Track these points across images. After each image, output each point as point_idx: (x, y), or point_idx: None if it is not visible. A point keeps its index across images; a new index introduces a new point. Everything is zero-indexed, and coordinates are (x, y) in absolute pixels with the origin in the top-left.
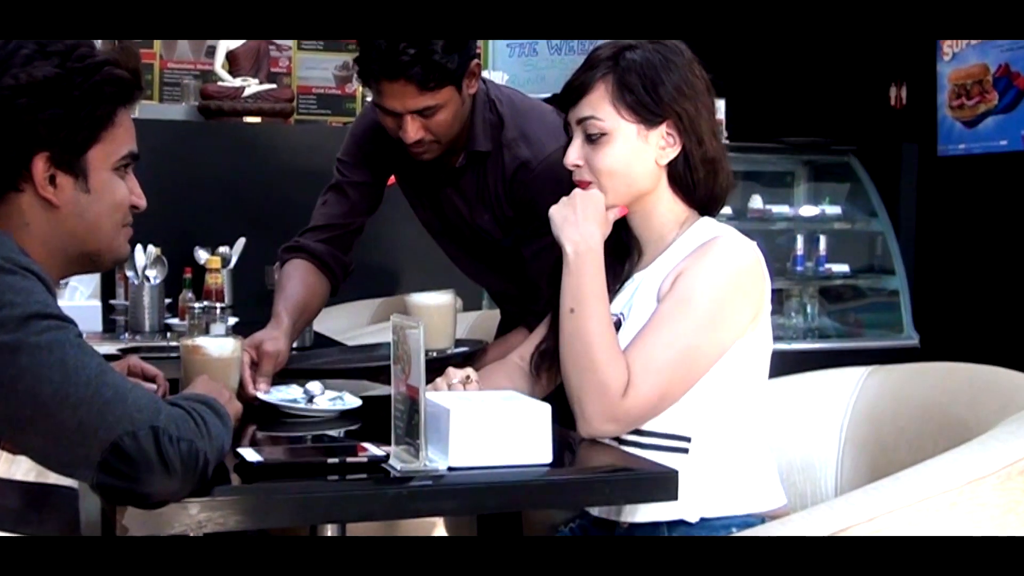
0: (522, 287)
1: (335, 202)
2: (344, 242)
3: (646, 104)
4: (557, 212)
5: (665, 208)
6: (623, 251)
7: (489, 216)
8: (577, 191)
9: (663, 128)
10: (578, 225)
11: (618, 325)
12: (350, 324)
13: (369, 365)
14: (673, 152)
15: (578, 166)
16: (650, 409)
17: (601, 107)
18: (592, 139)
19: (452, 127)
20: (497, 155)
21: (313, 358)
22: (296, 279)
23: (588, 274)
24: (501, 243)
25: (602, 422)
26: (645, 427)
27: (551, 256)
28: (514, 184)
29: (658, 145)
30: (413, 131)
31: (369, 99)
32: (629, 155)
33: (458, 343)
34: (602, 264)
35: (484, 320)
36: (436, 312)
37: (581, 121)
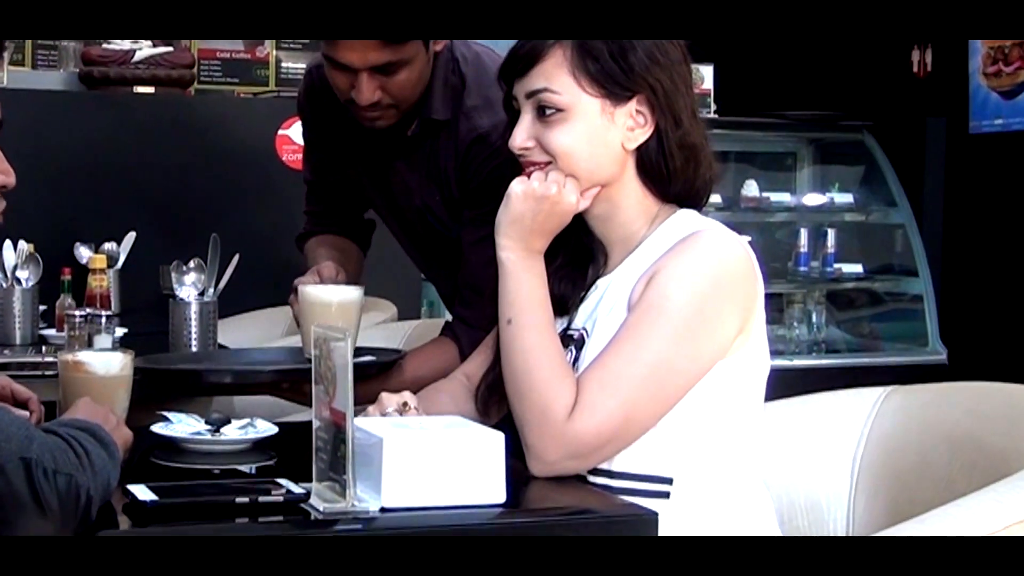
0: (457, 282)
1: (314, 200)
2: (350, 220)
3: (613, 74)
4: (516, 202)
5: (632, 202)
6: (585, 256)
7: (438, 196)
8: (552, 193)
9: (632, 105)
10: (527, 232)
11: (581, 342)
12: (262, 335)
13: (262, 368)
14: (643, 134)
15: (527, 148)
16: (611, 436)
17: (557, 78)
18: (545, 116)
19: (415, 89)
20: (453, 125)
21: (194, 362)
22: (325, 243)
23: (526, 281)
24: (450, 234)
25: (551, 452)
26: (616, 466)
27: (493, 249)
28: (467, 159)
29: (626, 126)
30: (369, 92)
31: (286, 64)
32: (591, 137)
33: (363, 351)
34: (543, 269)
35: (423, 331)
36: (337, 311)
37: (532, 95)
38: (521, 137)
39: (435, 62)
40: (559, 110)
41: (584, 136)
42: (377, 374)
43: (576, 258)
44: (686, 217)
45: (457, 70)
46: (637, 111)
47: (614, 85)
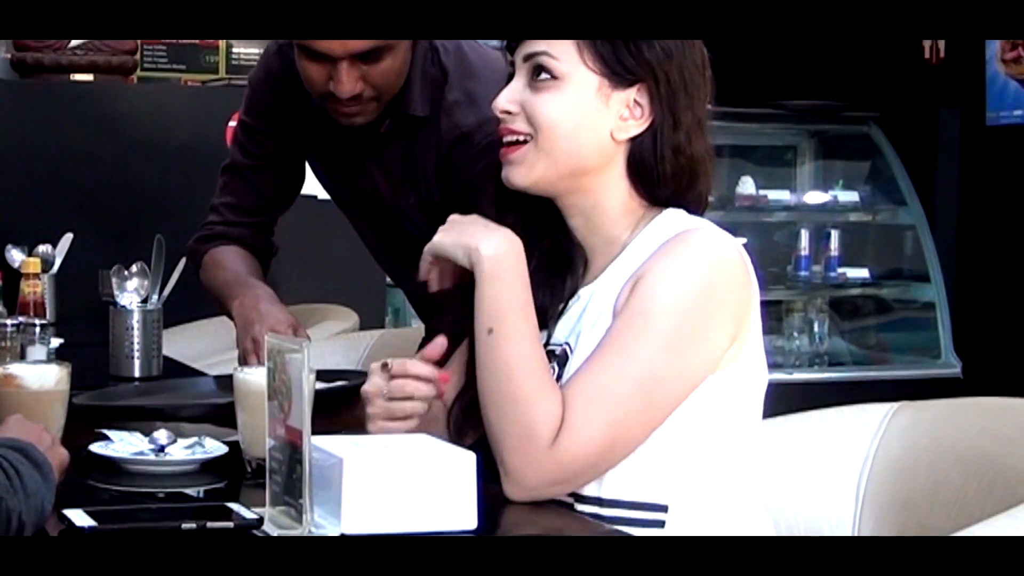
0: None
1: (235, 190)
2: (261, 231)
3: (619, 54)
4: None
5: (616, 201)
6: (563, 260)
7: (415, 199)
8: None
9: (631, 92)
10: (490, 229)
11: (564, 358)
12: (209, 347)
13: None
14: (637, 127)
15: (509, 112)
16: (596, 460)
17: (560, 43)
18: (537, 80)
19: (398, 79)
20: (434, 122)
21: (156, 395)
22: (232, 257)
23: (509, 283)
24: (428, 238)
25: (532, 477)
26: (606, 493)
27: None
28: (449, 160)
29: (619, 114)
30: (350, 83)
31: (237, 50)
32: (579, 114)
33: (331, 375)
34: (526, 271)
35: (388, 342)
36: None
37: (530, 57)
38: (506, 97)
39: (413, 52)
40: (553, 77)
41: (571, 111)
42: (345, 400)
43: (553, 262)
44: (674, 216)
45: (437, 61)
46: (635, 101)
47: (618, 65)
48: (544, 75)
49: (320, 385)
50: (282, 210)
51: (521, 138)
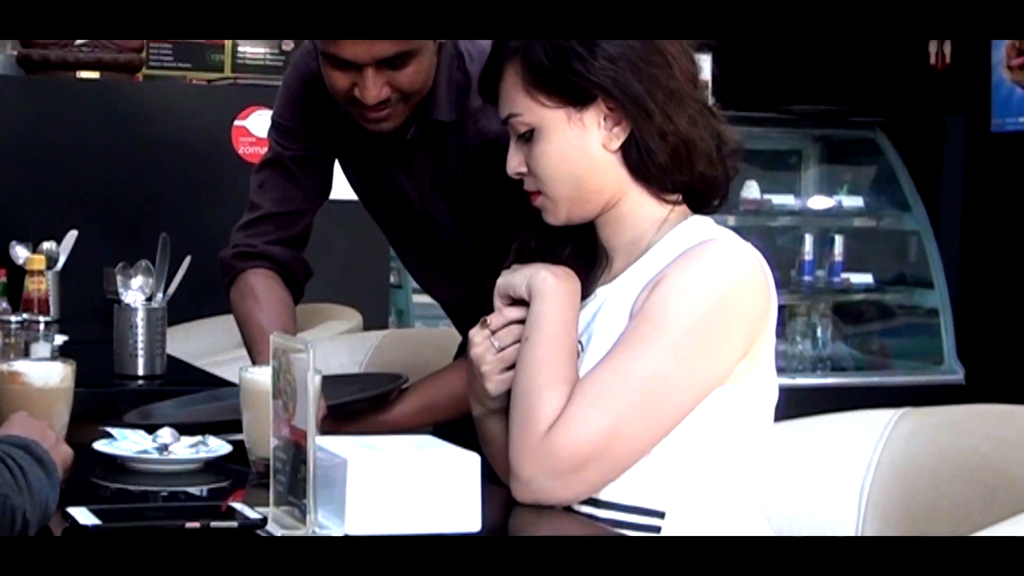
0: (473, 302)
1: (279, 184)
2: (300, 236)
3: (562, 81)
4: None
5: (634, 205)
6: (589, 257)
7: (444, 205)
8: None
9: (600, 105)
10: (550, 266)
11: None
12: (213, 345)
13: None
14: (622, 132)
15: (522, 174)
16: (591, 453)
17: (517, 99)
18: (522, 138)
19: (426, 82)
20: (460, 127)
21: (171, 411)
22: (273, 297)
23: (557, 304)
24: (461, 244)
25: (526, 468)
26: (604, 495)
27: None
28: (477, 165)
29: (603, 126)
30: (377, 89)
31: (243, 49)
32: (566, 150)
33: (361, 379)
34: (577, 302)
35: (393, 342)
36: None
37: (506, 121)
38: (513, 164)
39: (439, 57)
40: (531, 130)
41: (559, 152)
42: (371, 406)
43: (581, 253)
44: (698, 224)
45: (462, 67)
46: (609, 108)
47: (569, 93)
48: (524, 131)
49: (363, 394)
50: (321, 203)
51: (535, 195)
